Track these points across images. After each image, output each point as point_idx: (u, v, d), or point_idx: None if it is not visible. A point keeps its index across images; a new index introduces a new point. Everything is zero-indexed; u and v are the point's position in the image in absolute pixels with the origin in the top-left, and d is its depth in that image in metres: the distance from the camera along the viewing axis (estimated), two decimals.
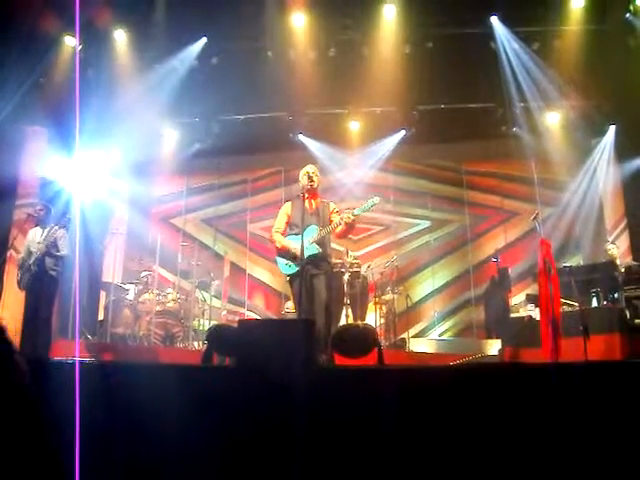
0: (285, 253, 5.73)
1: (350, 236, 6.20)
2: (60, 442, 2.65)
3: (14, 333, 8.01)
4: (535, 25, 9.15)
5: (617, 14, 8.81)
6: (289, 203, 6.05)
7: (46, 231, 6.94)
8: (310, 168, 5.94)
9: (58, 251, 6.88)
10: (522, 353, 6.80)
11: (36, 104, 9.08)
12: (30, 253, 6.92)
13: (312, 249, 5.60)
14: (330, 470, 3.10)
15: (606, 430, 3.06)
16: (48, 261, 6.86)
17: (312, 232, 5.66)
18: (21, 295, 7.14)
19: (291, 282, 5.75)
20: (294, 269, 5.63)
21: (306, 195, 5.78)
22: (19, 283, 6.98)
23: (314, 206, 5.86)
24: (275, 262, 5.92)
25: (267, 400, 3.25)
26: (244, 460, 3.12)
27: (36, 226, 7.22)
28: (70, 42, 9.17)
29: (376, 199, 5.73)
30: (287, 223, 5.93)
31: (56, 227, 6.93)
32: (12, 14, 7.90)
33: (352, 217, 5.59)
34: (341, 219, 5.65)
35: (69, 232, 6.99)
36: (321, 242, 5.67)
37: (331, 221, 5.79)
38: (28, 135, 9.70)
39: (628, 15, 8.76)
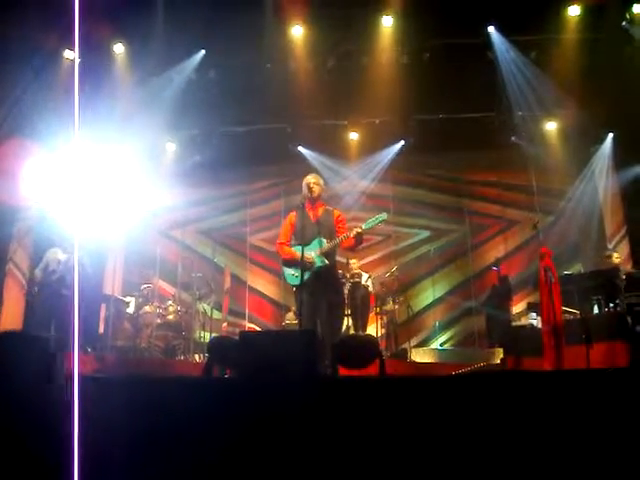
0: (292, 263, 5.63)
1: None
2: (58, 457, 2.63)
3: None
4: (532, 34, 9.20)
5: (613, 22, 8.86)
6: (293, 213, 5.91)
7: (66, 255, 7.08)
8: (311, 178, 5.84)
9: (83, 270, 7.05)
10: (524, 362, 6.77)
11: (35, 117, 9.10)
12: (53, 271, 7.03)
13: (318, 260, 5.55)
14: None
15: (610, 438, 3.04)
16: (68, 280, 6.99)
17: (318, 244, 5.58)
18: (19, 309, 7.17)
19: (297, 293, 5.61)
20: (300, 280, 5.54)
21: (307, 204, 5.77)
22: (33, 297, 7.06)
23: (316, 215, 5.77)
24: (282, 273, 5.82)
25: (269, 412, 3.23)
26: (246, 473, 3.10)
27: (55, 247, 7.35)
28: (69, 55, 9.20)
29: (384, 215, 5.66)
30: (291, 233, 5.85)
31: (78, 251, 7.05)
32: (11, 27, 7.94)
33: (360, 231, 5.53)
34: (348, 233, 5.58)
35: (85, 251, 7.13)
36: (327, 253, 5.61)
37: (338, 230, 5.72)
38: (27, 148, 9.70)
39: (624, 23, 8.82)
